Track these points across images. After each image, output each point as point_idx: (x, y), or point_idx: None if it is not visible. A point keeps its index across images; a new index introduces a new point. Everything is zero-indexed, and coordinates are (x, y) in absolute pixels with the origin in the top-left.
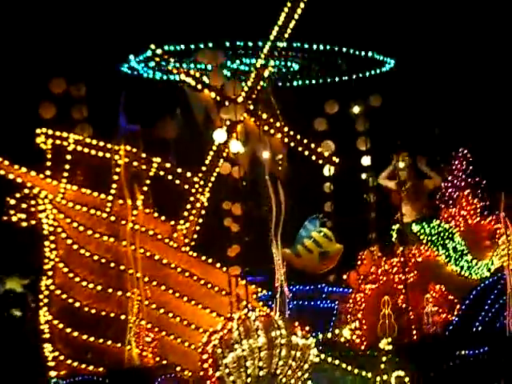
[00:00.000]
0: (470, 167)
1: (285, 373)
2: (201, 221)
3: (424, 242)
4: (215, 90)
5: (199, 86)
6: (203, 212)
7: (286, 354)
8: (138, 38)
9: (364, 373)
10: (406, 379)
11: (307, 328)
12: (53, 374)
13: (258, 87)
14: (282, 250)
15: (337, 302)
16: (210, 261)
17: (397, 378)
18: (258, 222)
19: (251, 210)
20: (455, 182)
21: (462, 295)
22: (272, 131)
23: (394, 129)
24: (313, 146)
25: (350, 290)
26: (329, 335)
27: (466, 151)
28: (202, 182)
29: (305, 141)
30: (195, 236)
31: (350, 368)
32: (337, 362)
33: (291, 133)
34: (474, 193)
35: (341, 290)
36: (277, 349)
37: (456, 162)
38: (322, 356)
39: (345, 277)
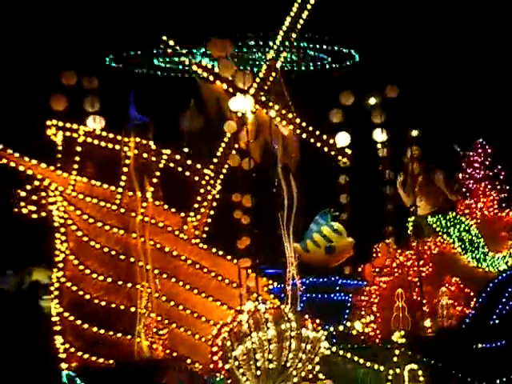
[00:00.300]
0: (489, 158)
1: (295, 365)
2: (212, 213)
3: (440, 234)
4: (227, 81)
5: (211, 78)
6: (214, 204)
7: (296, 347)
8: (149, 30)
9: (376, 366)
10: (420, 372)
11: (318, 321)
12: (64, 366)
13: (270, 78)
14: (295, 244)
15: (351, 295)
16: (220, 253)
17: (410, 372)
18: (269, 214)
19: (262, 202)
20: (473, 173)
21: (478, 288)
22: (284, 123)
23: (411, 119)
24: (325, 137)
25: (365, 283)
26: (340, 328)
27: (484, 142)
28: (212, 174)
29: (317, 132)
30: (206, 228)
31: (362, 361)
32: (349, 354)
33: (303, 124)
34: (491, 184)
35: (355, 282)
36: (287, 341)
37: (474, 153)
38: (334, 349)
39: (360, 270)
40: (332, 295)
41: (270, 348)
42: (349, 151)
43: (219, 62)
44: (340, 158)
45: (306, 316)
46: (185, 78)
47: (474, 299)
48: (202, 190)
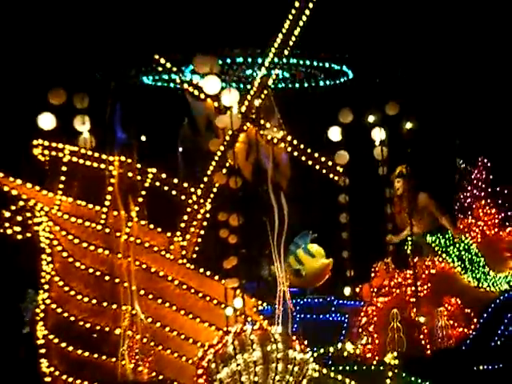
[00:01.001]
0: (490, 176)
1: None
2: (202, 233)
3: (439, 253)
4: (217, 99)
5: (202, 95)
6: (205, 224)
7: (283, 369)
8: (138, 47)
9: None
10: None
11: (306, 342)
12: None
13: (262, 96)
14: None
15: (347, 316)
16: (208, 273)
17: None
18: (258, 233)
19: (251, 221)
20: (474, 191)
21: (479, 308)
22: (275, 140)
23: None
24: (316, 155)
25: (362, 303)
26: (331, 349)
27: (485, 160)
28: (199, 193)
29: (308, 150)
30: (197, 248)
31: (353, 383)
32: (339, 377)
33: (294, 142)
34: (492, 203)
35: (352, 303)
36: (273, 363)
37: (476, 170)
38: (324, 371)
39: (358, 290)
40: (328, 316)
41: (256, 370)
42: (341, 169)
43: (205, 79)
44: (332, 175)
45: (294, 337)
46: (178, 95)
47: (475, 320)
48: (189, 210)
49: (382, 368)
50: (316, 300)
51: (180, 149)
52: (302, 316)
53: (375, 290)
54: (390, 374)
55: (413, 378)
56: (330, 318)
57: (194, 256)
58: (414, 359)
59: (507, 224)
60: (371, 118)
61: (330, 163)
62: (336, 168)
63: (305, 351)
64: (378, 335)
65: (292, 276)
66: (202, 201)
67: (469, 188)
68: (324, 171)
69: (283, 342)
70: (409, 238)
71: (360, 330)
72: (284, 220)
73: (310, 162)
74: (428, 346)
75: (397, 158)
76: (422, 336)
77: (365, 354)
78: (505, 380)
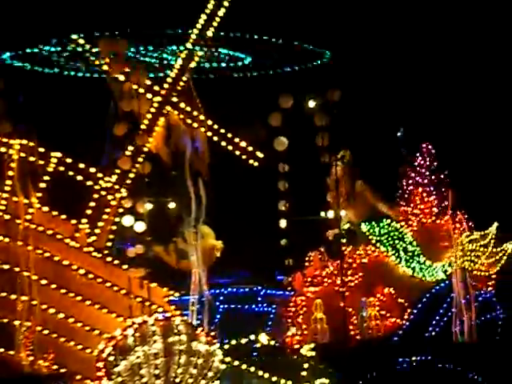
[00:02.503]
0: (435, 163)
1: (185, 381)
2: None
3: (373, 242)
4: (138, 81)
5: (122, 78)
6: (121, 211)
7: (186, 361)
8: (49, 27)
9: (283, 380)
10: None
11: (213, 334)
12: None
13: (184, 78)
14: (157, 247)
15: (274, 306)
16: (115, 262)
17: None
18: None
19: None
20: (417, 178)
21: (414, 298)
22: (195, 125)
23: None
24: (236, 140)
25: (291, 293)
26: (242, 341)
27: (430, 146)
28: (107, 178)
29: (229, 135)
30: (111, 236)
31: (267, 375)
32: (252, 368)
33: (215, 126)
34: (431, 191)
35: (280, 292)
36: (175, 356)
37: (418, 158)
38: (236, 363)
39: (290, 279)
40: (254, 306)
41: (157, 363)
42: (260, 154)
43: (111, 60)
44: (252, 161)
45: (200, 329)
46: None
47: (409, 310)
48: (95, 196)
49: (298, 359)
50: (241, 290)
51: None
52: (226, 306)
53: (308, 279)
54: (306, 365)
55: (330, 370)
56: (256, 309)
57: (109, 244)
58: (335, 350)
59: (444, 212)
60: (312, 104)
61: (250, 148)
62: (255, 153)
63: (211, 343)
64: (308, 326)
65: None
66: (117, 187)
67: (411, 175)
68: (244, 157)
69: (187, 333)
70: (344, 227)
71: (289, 320)
72: (201, 205)
73: (229, 147)
74: (358, 337)
75: (339, 144)
76: (351, 327)
77: (292, 345)
78: (426, 372)
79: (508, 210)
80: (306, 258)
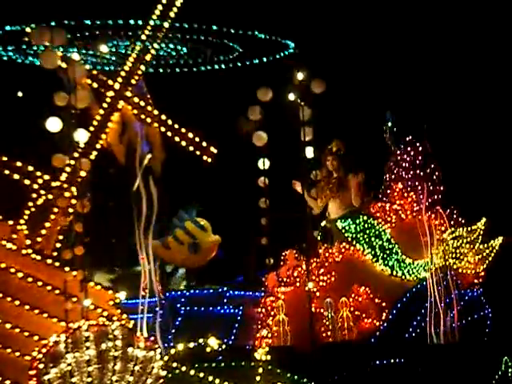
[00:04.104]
0: (420, 157)
1: None
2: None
3: (349, 240)
4: (93, 76)
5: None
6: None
7: (122, 368)
8: None
9: None
10: None
11: (152, 339)
12: None
13: (139, 72)
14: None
15: (241, 308)
16: (56, 264)
17: None
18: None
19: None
20: (401, 173)
21: (394, 298)
22: (149, 120)
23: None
24: (191, 135)
25: (261, 294)
26: (190, 345)
27: (414, 140)
28: (63, 178)
29: (182, 130)
30: (61, 237)
31: (218, 381)
32: (201, 374)
33: (169, 122)
34: (412, 186)
35: (249, 293)
36: (109, 362)
37: (402, 152)
38: (184, 368)
39: (263, 279)
40: (219, 308)
41: (89, 370)
42: (214, 150)
43: (42, 52)
44: (205, 157)
45: (138, 333)
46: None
47: (387, 311)
48: (34, 195)
49: (252, 364)
50: (205, 291)
51: None
52: (188, 308)
53: (281, 279)
54: (261, 370)
55: (288, 375)
56: (222, 311)
57: (58, 246)
58: (294, 354)
59: (425, 208)
60: (292, 96)
61: (204, 144)
62: (210, 149)
63: (151, 348)
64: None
65: (186, 252)
66: (66, 186)
67: (394, 169)
68: (198, 152)
69: (123, 338)
70: (321, 224)
71: (259, 322)
72: (153, 206)
73: (183, 143)
74: (330, 340)
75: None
76: (322, 329)
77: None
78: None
79: (500, 206)
80: (282, 257)
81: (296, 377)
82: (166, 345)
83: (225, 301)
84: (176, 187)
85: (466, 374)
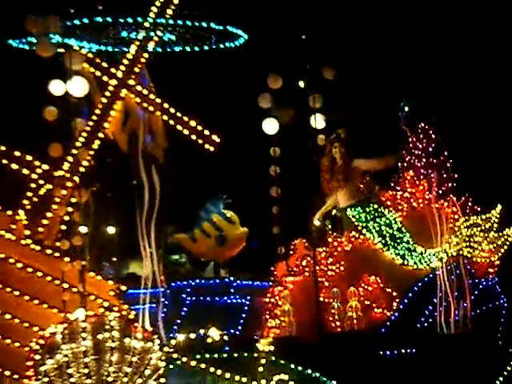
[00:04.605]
0: (433, 144)
1: (119, 379)
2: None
3: (360, 228)
4: (95, 64)
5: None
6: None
7: (119, 359)
8: None
9: (238, 377)
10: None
11: (150, 329)
12: None
13: (142, 60)
14: (180, 234)
15: (248, 298)
16: (56, 254)
17: (280, 382)
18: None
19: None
20: (413, 161)
21: (406, 287)
22: (151, 108)
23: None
24: (193, 124)
25: (269, 284)
26: (191, 336)
27: (426, 126)
28: (66, 167)
29: (185, 118)
30: (63, 227)
31: (219, 372)
32: (203, 365)
33: (172, 110)
34: (425, 174)
35: (257, 283)
36: (106, 353)
37: (414, 139)
38: (184, 359)
39: (272, 268)
40: (225, 298)
41: (86, 361)
42: (217, 139)
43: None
44: (208, 146)
45: (136, 324)
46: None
47: (398, 300)
48: (33, 185)
49: (255, 355)
50: (211, 281)
51: None
52: (194, 299)
53: (291, 269)
54: (264, 361)
55: (292, 365)
56: (228, 301)
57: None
58: (299, 344)
59: (438, 196)
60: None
61: (206, 132)
62: (212, 138)
63: (149, 339)
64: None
65: (213, 245)
66: (68, 175)
67: (406, 157)
68: (200, 141)
69: (120, 329)
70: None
71: (267, 312)
72: (155, 195)
73: (185, 132)
74: (338, 330)
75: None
76: (330, 318)
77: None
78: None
79: None
80: (291, 247)
81: (300, 367)
82: (171, 335)
83: (232, 291)
84: (200, 179)
85: (478, 364)
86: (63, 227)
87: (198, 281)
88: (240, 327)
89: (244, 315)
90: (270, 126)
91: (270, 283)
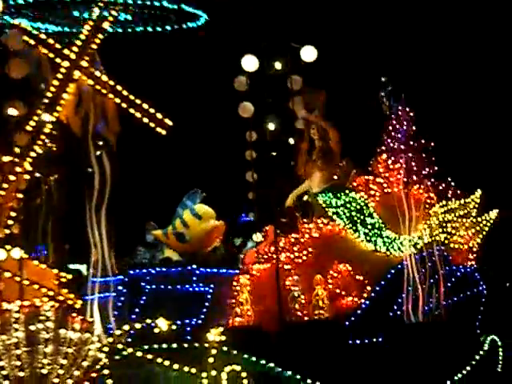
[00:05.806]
0: (414, 127)
1: (56, 372)
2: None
3: (330, 214)
4: (48, 45)
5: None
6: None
7: (54, 351)
8: None
9: (187, 368)
10: (243, 375)
11: (90, 320)
12: None
13: (97, 41)
14: (156, 231)
15: (212, 286)
16: None
17: (231, 373)
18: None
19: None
20: (391, 144)
21: (379, 275)
22: (104, 91)
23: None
24: (145, 106)
25: (234, 272)
26: (125, 327)
27: (407, 108)
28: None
29: (137, 101)
30: (13, 214)
31: (167, 363)
32: (150, 356)
33: (124, 93)
34: (402, 158)
35: (223, 271)
36: (40, 345)
37: (393, 121)
38: (130, 350)
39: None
40: (187, 286)
41: (18, 353)
42: (169, 122)
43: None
44: (159, 129)
45: (74, 315)
46: None
47: (368, 288)
48: None
49: (205, 345)
50: (173, 269)
51: None
52: (154, 287)
53: (260, 256)
54: (214, 351)
55: (246, 356)
56: (191, 289)
57: (10, 223)
58: (253, 334)
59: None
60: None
61: (158, 115)
62: (164, 121)
63: (87, 330)
64: (253, 307)
65: (176, 241)
66: (17, 160)
67: (386, 140)
68: (152, 124)
69: (56, 320)
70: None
71: (233, 300)
72: (106, 182)
73: (137, 114)
74: (305, 318)
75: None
76: (297, 306)
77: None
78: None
79: (495, 178)
80: (262, 233)
81: (254, 358)
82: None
83: (194, 279)
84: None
85: (448, 353)
86: (12, 214)
87: (158, 269)
88: (203, 316)
89: (207, 304)
90: (246, 110)
91: (237, 271)
